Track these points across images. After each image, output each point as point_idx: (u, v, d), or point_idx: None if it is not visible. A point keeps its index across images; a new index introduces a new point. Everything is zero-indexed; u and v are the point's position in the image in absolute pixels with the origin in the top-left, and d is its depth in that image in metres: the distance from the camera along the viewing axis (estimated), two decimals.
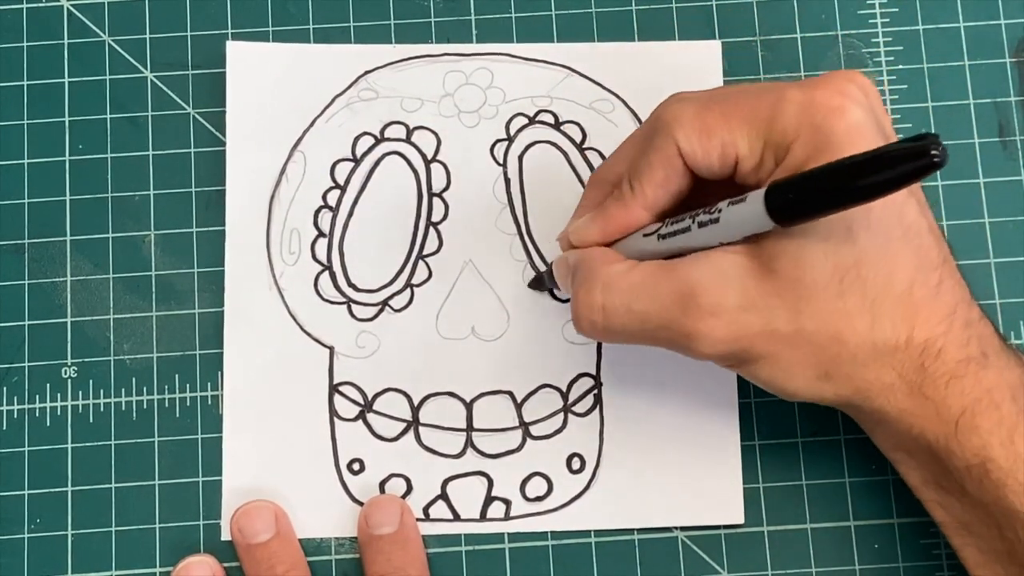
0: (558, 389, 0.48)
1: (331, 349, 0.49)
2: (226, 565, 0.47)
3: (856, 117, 0.38)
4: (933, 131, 0.50)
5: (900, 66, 0.51)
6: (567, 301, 0.49)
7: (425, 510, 0.48)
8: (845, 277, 0.38)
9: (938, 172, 0.50)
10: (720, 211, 0.39)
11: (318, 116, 0.50)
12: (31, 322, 0.49)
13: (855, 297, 0.38)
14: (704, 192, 0.41)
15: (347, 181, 0.50)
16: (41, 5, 0.51)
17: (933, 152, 0.33)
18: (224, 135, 0.50)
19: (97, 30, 0.51)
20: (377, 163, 0.50)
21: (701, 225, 0.39)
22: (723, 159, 0.39)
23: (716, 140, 0.39)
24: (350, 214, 0.49)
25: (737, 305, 0.38)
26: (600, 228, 0.43)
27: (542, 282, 0.48)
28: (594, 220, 0.43)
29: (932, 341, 0.38)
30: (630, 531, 0.48)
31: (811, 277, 0.38)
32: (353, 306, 0.49)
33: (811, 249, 0.38)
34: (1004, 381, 0.39)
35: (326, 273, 0.49)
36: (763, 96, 0.39)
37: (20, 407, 0.48)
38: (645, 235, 0.41)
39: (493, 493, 0.48)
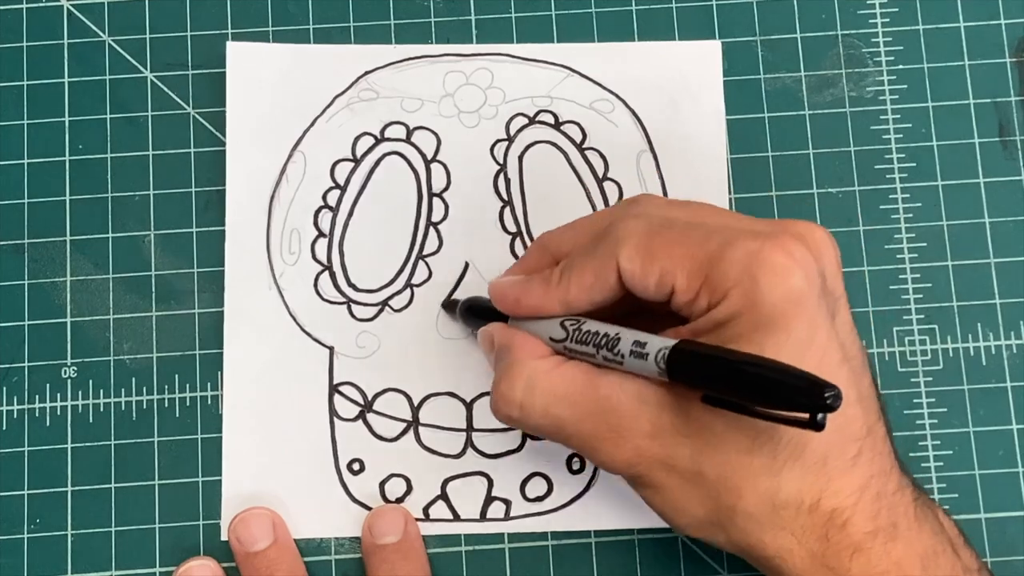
0: None
1: (331, 349, 0.48)
2: (226, 565, 0.47)
3: (796, 284, 0.36)
4: (932, 131, 0.50)
5: (900, 66, 0.51)
6: None
7: (425, 510, 0.48)
8: (758, 436, 0.37)
9: (938, 171, 0.50)
10: (623, 358, 0.38)
11: (318, 116, 0.50)
12: (31, 322, 0.49)
13: (763, 457, 0.37)
14: (635, 301, 0.40)
15: (347, 181, 0.50)
16: (41, 5, 0.51)
17: (828, 394, 0.33)
18: (224, 135, 0.50)
19: (97, 30, 0.51)
20: (377, 163, 0.50)
21: (605, 359, 0.39)
22: (659, 287, 0.38)
23: (656, 266, 0.38)
24: (350, 214, 0.49)
25: (645, 432, 0.38)
26: (515, 299, 0.42)
27: (452, 308, 0.48)
28: (513, 288, 0.43)
29: (839, 512, 0.37)
30: (630, 531, 0.48)
31: (722, 427, 0.37)
32: (353, 306, 0.49)
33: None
34: (913, 552, 0.37)
35: (326, 273, 0.49)
36: (713, 235, 0.38)
37: (20, 407, 0.48)
38: (553, 340, 0.41)
39: (493, 493, 0.48)
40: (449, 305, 0.48)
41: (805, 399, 0.33)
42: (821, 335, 0.37)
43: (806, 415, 0.34)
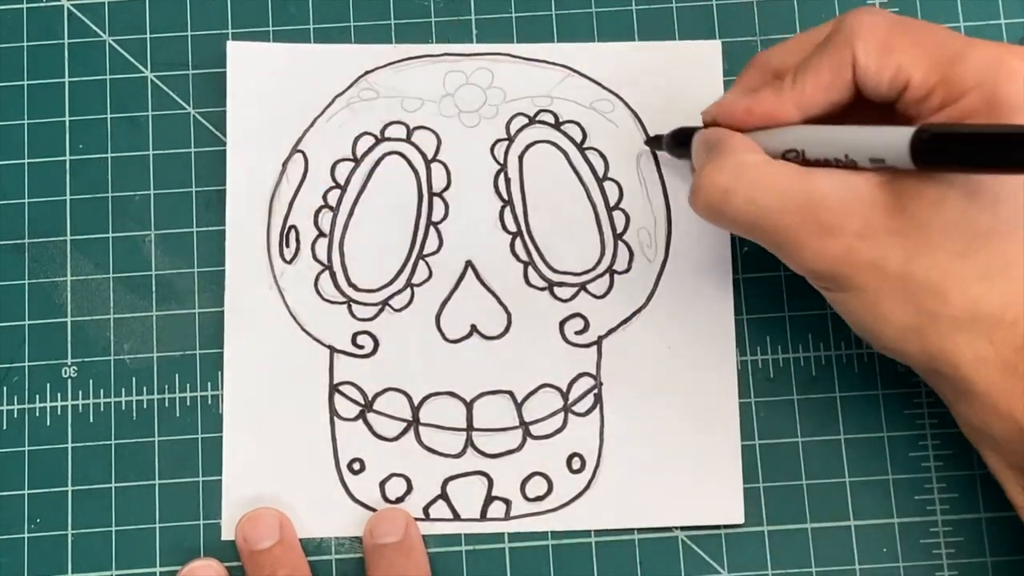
0: (558, 389, 0.48)
1: (331, 349, 0.49)
2: (227, 565, 0.47)
3: None
4: None
5: None
6: (568, 300, 0.49)
7: (425, 510, 0.48)
8: (974, 241, 0.37)
9: None
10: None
11: (318, 116, 0.50)
12: (31, 322, 0.49)
13: (975, 263, 0.37)
14: (859, 112, 0.40)
15: (347, 181, 0.50)
16: (41, 5, 0.51)
17: None
18: (224, 135, 0.50)
19: (97, 30, 0.51)
20: (377, 163, 0.50)
21: (846, 157, 0.39)
22: (893, 82, 0.39)
23: (893, 60, 0.39)
24: (350, 214, 0.49)
25: (856, 231, 0.38)
26: (746, 108, 0.42)
27: (658, 142, 0.48)
28: (744, 98, 0.42)
29: None
30: (630, 531, 0.48)
31: (940, 228, 0.37)
32: (353, 306, 0.49)
33: (951, 202, 0.37)
34: None
35: (326, 273, 0.49)
36: (954, 38, 0.39)
37: (20, 407, 0.48)
38: (785, 155, 0.41)
39: (493, 493, 0.48)
40: (653, 140, 0.49)
41: None
42: None
43: None
